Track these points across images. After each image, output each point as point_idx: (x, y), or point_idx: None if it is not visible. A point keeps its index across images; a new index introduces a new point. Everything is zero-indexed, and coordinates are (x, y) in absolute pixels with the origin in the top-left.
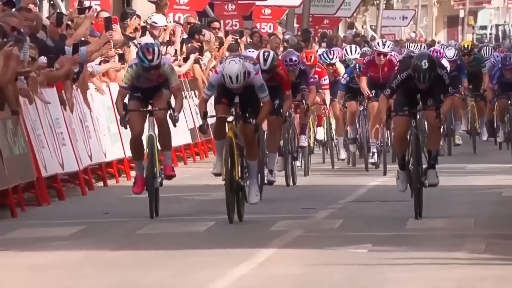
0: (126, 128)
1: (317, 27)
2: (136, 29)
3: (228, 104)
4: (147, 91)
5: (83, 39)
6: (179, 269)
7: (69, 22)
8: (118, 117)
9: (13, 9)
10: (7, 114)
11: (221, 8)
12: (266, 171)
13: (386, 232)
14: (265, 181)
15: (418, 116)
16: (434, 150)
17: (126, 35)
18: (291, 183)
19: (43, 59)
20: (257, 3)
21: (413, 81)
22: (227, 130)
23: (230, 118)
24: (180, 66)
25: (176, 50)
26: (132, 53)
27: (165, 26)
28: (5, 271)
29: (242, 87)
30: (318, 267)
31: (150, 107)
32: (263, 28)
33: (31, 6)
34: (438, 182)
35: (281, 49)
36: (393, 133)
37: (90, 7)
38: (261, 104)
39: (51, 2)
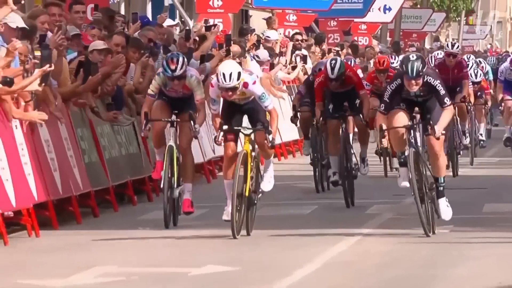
0: (146, 137)
1: (406, 40)
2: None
3: (235, 135)
4: (174, 101)
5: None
6: (285, 247)
7: (196, 38)
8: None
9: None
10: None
11: (325, 24)
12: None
13: (465, 215)
14: (329, 181)
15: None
16: (441, 177)
17: (243, 47)
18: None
19: None
20: (355, 20)
21: (405, 89)
22: (243, 144)
23: (247, 132)
24: (289, 73)
25: (286, 60)
26: (248, 63)
27: (277, 40)
28: (143, 246)
29: (245, 102)
30: (406, 245)
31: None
32: (360, 41)
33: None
34: (450, 216)
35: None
36: (381, 132)
37: (215, 25)
38: (267, 113)
39: (182, 20)
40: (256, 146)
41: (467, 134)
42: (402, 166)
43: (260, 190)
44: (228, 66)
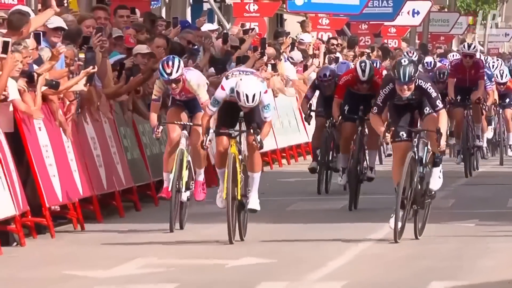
0: (158, 139)
1: (434, 42)
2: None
3: (230, 125)
4: (185, 103)
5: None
6: (318, 240)
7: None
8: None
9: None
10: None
11: (356, 27)
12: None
13: (490, 209)
14: (365, 178)
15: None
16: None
17: (277, 49)
18: None
19: (212, 70)
20: (385, 23)
21: (396, 94)
22: (229, 147)
23: (233, 133)
24: None
25: (319, 62)
26: (282, 64)
27: (310, 42)
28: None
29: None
30: (434, 237)
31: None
32: (390, 44)
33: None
34: (439, 185)
35: None
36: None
37: (252, 29)
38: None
39: (220, 23)
40: (245, 151)
41: (481, 138)
42: (401, 208)
43: (249, 210)
44: (251, 86)
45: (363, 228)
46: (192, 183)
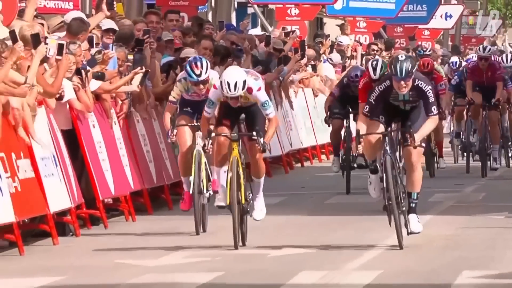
0: (172, 143)
1: (466, 44)
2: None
3: (230, 126)
4: (196, 106)
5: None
6: (356, 231)
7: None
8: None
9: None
10: None
11: (392, 30)
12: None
13: None
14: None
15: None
16: (415, 192)
17: (317, 50)
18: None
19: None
20: (420, 26)
21: (392, 92)
22: (231, 151)
23: (234, 137)
24: None
25: (356, 63)
26: (322, 65)
27: (348, 44)
28: (227, 230)
29: (245, 106)
30: (465, 229)
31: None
32: (423, 46)
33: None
34: (420, 229)
35: (439, 61)
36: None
37: (294, 31)
38: (267, 121)
39: (263, 26)
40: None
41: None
42: (372, 173)
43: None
44: (233, 75)
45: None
46: (210, 184)
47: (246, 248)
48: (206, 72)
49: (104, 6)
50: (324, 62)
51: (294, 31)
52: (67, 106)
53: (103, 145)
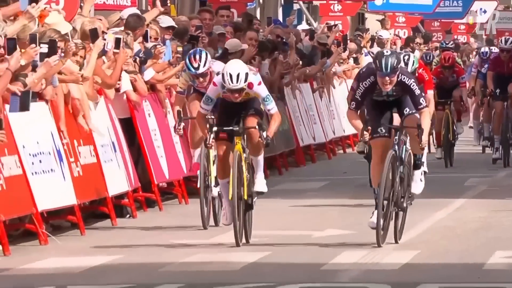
0: (181, 136)
1: (499, 38)
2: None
3: (230, 125)
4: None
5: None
6: None
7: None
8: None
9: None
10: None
11: (429, 24)
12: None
13: None
14: None
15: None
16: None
17: (358, 44)
18: None
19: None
20: (455, 20)
21: (377, 88)
22: (235, 146)
23: (236, 130)
24: None
25: None
26: (363, 58)
27: (388, 38)
28: (273, 212)
29: (244, 101)
30: (498, 212)
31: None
32: (459, 39)
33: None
34: (419, 190)
35: (474, 53)
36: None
37: (336, 25)
38: (269, 116)
39: (308, 22)
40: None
41: None
42: (376, 209)
43: (255, 192)
44: (236, 67)
45: (436, 204)
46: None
47: (291, 229)
48: (204, 65)
49: (158, 3)
50: (365, 55)
51: (337, 25)
52: (124, 96)
53: (158, 133)
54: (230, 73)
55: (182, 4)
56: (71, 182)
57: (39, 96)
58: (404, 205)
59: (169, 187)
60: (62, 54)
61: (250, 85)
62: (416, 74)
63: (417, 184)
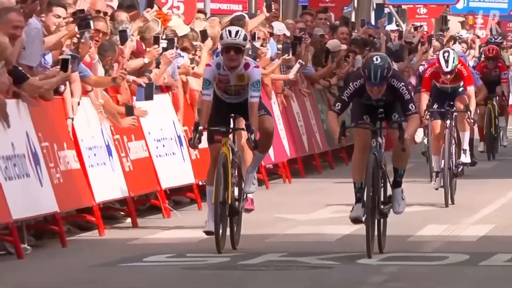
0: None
1: None
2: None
3: (221, 124)
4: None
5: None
6: (472, 192)
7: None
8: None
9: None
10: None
11: (505, 25)
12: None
13: None
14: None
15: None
16: (401, 168)
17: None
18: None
19: None
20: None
21: (365, 91)
22: (221, 147)
23: (225, 130)
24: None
25: (474, 53)
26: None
27: (468, 37)
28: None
29: (236, 103)
30: None
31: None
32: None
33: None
34: (403, 208)
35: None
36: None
37: (421, 26)
38: (248, 104)
39: (397, 23)
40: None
41: None
42: (357, 203)
43: (244, 195)
44: (237, 27)
45: (510, 183)
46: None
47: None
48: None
49: (264, 9)
50: None
51: (422, 26)
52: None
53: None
54: (229, 29)
55: (286, 7)
56: (190, 163)
57: (162, 89)
58: (385, 211)
59: (274, 168)
60: (180, 51)
61: (247, 66)
62: (456, 70)
63: (400, 203)
